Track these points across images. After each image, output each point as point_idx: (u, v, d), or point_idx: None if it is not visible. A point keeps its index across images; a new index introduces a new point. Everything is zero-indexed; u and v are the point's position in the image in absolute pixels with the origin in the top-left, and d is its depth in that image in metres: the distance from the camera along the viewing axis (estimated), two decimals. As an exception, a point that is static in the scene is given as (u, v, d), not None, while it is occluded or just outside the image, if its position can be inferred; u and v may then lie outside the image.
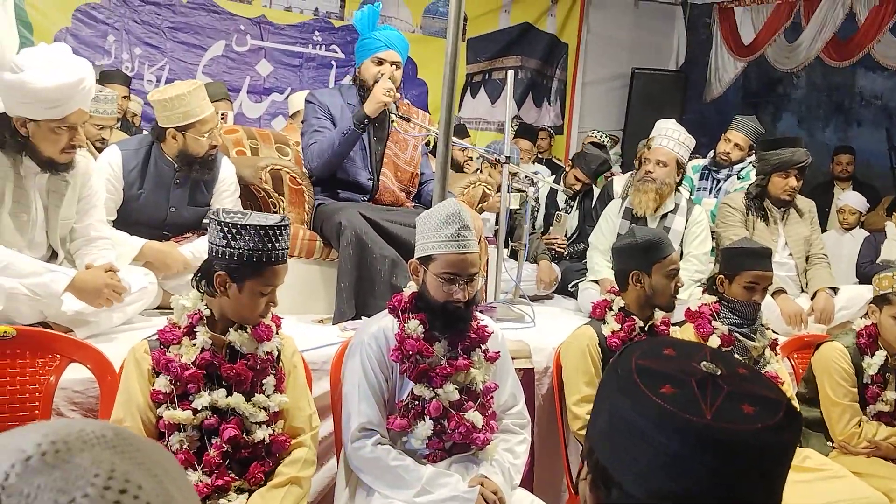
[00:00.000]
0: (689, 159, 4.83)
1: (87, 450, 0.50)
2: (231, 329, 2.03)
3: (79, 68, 2.54)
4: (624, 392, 0.86)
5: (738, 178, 4.72)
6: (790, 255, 4.05)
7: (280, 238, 1.96)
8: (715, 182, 4.86)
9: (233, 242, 1.91)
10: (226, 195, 3.30)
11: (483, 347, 2.28)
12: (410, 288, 2.28)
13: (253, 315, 2.02)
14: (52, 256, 2.77)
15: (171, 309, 2.09)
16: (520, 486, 2.31)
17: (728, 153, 4.81)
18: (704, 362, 0.88)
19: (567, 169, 5.08)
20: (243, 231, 1.91)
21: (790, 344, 3.25)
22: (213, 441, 1.96)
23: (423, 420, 2.15)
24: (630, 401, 0.85)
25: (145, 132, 3.93)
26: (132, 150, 3.18)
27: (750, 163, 4.74)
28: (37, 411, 2.24)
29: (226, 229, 1.92)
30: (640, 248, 2.69)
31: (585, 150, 5.07)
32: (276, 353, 2.10)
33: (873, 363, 2.86)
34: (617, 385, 0.88)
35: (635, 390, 0.85)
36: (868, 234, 5.57)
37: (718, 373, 0.87)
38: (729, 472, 0.80)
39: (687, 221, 3.94)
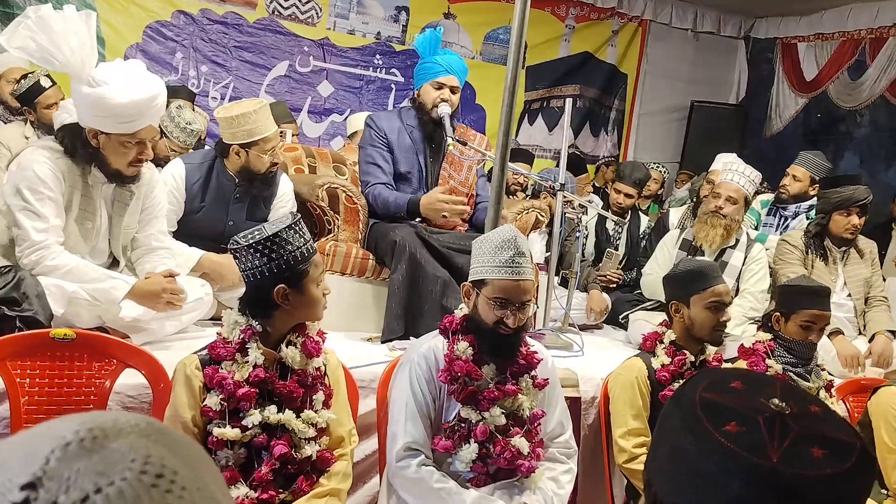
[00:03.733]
0: (760, 193, 4.77)
1: (122, 437, 0.52)
2: (283, 345, 2.04)
3: (153, 86, 2.61)
4: (686, 427, 0.82)
5: (808, 219, 4.60)
6: (849, 295, 3.96)
7: (304, 230, 2.00)
8: (782, 219, 4.76)
9: (273, 255, 1.93)
10: (283, 211, 3.36)
11: (532, 374, 2.27)
12: (462, 310, 2.29)
13: (320, 308, 2.06)
14: (114, 264, 2.85)
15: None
16: (563, 516, 2.28)
17: (785, 185, 4.72)
18: (774, 399, 0.83)
19: (609, 191, 5.03)
20: (277, 239, 1.93)
21: (846, 386, 3.16)
22: (264, 457, 1.97)
23: (469, 443, 2.14)
24: (693, 437, 0.81)
25: (207, 147, 4.06)
26: (196, 164, 3.27)
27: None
28: (92, 413, 2.29)
29: (261, 247, 1.93)
30: (679, 279, 2.70)
31: (619, 164, 5.05)
32: (324, 368, 2.12)
33: (933, 411, 2.76)
34: (679, 418, 0.84)
35: (698, 426, 0.81)
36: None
37: (788, 411, 0.81)
38: None
39: (746, 258, 3.89)
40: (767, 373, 2.60)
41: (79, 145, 2.62)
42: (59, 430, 0.51)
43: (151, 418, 0.57)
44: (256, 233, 1.96)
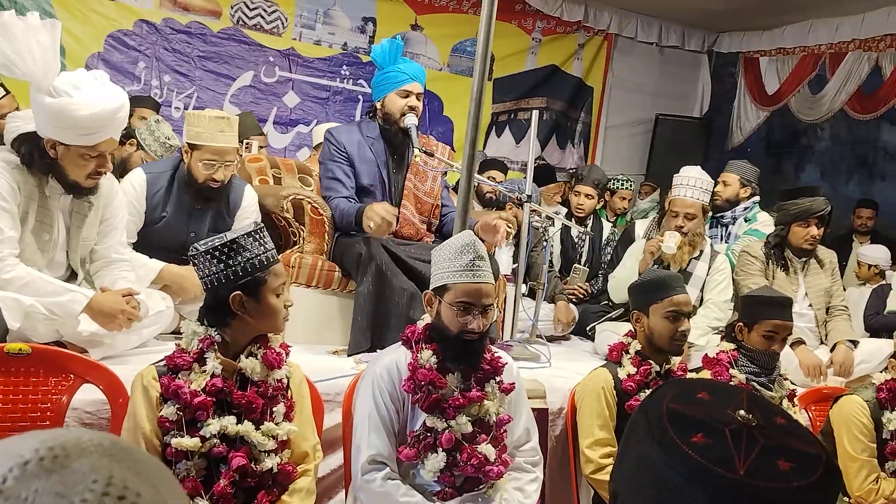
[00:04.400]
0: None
1: (85, 456, 0.50)
2: (242, 356, 2.01)
3: (116, 98, 2.56)
4: (653, 438, 0.81)
5: (746, 221, 4.72)
6: (810, 305, 4.02)
7: (265, 239, 1.99)
8: (724, 228, 4.86)
9: (230, 261, 1.92)
10: (247, 223, 3.31)
11: (497, 379, 2.26)
12: (424, 320, 2.28)
13: (279, 319, 2.03)
14: (72, 276, 2.79)
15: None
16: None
17: (717, 192, 4.81)
18: (740, 410, 0.82)
19: (570, 195, 5.06)
20: (235, 245, 1.92)
21: (808, 395, 3.20)
22: (222, 469, 1.94)
23: (436, 452, 2.13)
24: (659, 448, 0.80)
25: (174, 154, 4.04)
26: (157, 173, 3.21)
27: (754, 202, 4.80)
28: (48, 430, 2.23)
29: (218, 253, 1.92)
30: (639, 288, 2.75)
31: (577, 168, 5.12)
32: (286, 380, 2.09)
33: (893, 418, 2.79)
34: (647, 429, 0.83)
35: (665, 437, 0.80)
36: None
37: (754, 423, 0.81)
38: None
39: (709, 268, 3.93)
40: (732, 384, 2.62)
41: (36, 156, 2.56)
42: (19, 447, 0.49)
43: (116, 437, 0.55)
44: (217, 239, 1.95)
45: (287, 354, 2.12)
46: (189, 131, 3.14)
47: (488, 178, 4.93)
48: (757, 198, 4.83)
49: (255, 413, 1.98)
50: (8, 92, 4.05)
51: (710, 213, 4.89)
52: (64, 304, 2.54)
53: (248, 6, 6.35)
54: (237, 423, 1.95)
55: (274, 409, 2.03)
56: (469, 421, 2.17)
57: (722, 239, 4.83)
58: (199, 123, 3.11)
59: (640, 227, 4.62)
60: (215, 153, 3.12)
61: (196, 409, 1.92)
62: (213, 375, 1.95)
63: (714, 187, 4.85)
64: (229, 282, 1.93)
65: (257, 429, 1.98)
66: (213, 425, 1.92)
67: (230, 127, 3.17)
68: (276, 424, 2.01)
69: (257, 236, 1.97)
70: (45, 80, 2.45)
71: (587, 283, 4.65)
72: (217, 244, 1.93)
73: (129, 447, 0.54)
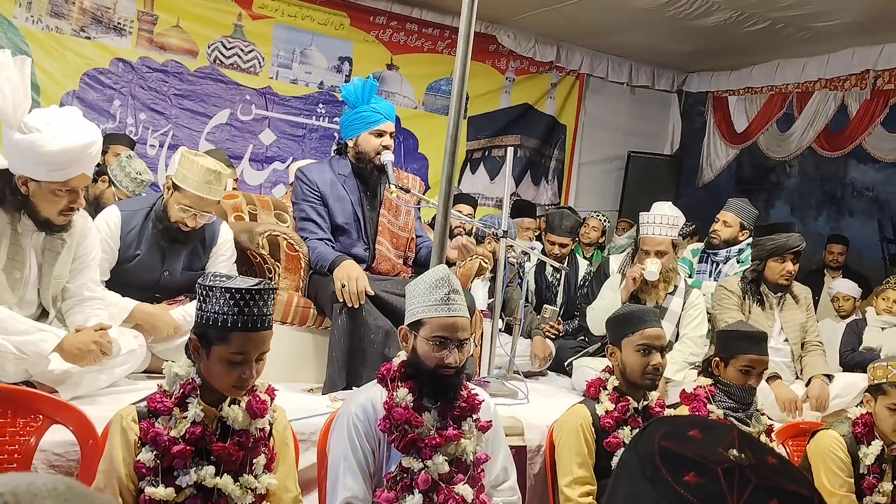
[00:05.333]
0: (689, 239, 4.85)
1: (37, 502, 0.48)
2: (224, 404, 1.94)
3: (87, 133, 2.55)
4: (645, 475, 0.80)
5: (738, 262, 4.72)
6: (785, 340, 4.04)
7: (253, 303, 1.86)
8: (714, 265, 4.84)
9: (204, 305, 1.87)
10: (222, 260, 3.29)
11: (474, 417, 2.24)
12: (400, 357, 2.26)
13: (224, 386, 1.91)
14: (43, 315, 2.74)
15: (159, 373, 2.03)
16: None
17: (716, 231, 4.82)
18: (732, 450, 0.82)
19: (544, 242, 5.07)
20: (210, 293, 1.86)
21: (785, 430, 3.21)
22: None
23: (412, 494, 2.09)
24: (651, 486, 0.79)
25: (146, 193, 4.00)
26: (132, 211, 3.18)
27: (748, 244, 4.76)
28: (14, 473, 2.17)
29: (200, 291, 1.89)
30: (613, 322, 2.75)
31: (548, 215, 5.07)
32: (269, 428, 2.03)
33: (870, 453, 2.80)
34: (638, 466, 0.82)
35: (657, 475, 0.79)
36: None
37: (746, 462, 0.80)
38: None
39: (684, 303, 3.94)
40: (721, 421, 2.61)
41: (7, 192, 2.55)
42: None
43: (71, 480, 0.53)
44: (218, 279, 1.90)
45: (272, 399, 2.05)
46: (179, 171, 3.10)
47: (455, 211, 4.91)
48: (750, 239, 4.81)
49: (234, 465, 1.92)
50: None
51: (702, 249, 4.92)
52: (35, 344, 2.50)
53: (225, 46, 6.37)
54: (215, 475, 1.89)
55: (254, 460, 1.95)
56: (446, 461, 2.13)
57: (710, 275, 4.81)
58: (190, 168, 3.07)
59: (615, 262, 4.64)
60: (194, 201, 3.09)
61: (174, 457, 1.85)
62: (193, 423, 1.89)
63: (714, 224, 4.87)
64: (195, 325, 1.91)
65: (236, 481, 1.91)
66: (190, 475, 1.86)
67: (218, 181, 3.13)
68: (256, 477, 1.94)
69: (238, 297, 1.85)
70: (15, 117, 2.44)
71: (560, 323, 4.62)
72: (205, 283, 1.89)
73: (84, 492, 0.52)
